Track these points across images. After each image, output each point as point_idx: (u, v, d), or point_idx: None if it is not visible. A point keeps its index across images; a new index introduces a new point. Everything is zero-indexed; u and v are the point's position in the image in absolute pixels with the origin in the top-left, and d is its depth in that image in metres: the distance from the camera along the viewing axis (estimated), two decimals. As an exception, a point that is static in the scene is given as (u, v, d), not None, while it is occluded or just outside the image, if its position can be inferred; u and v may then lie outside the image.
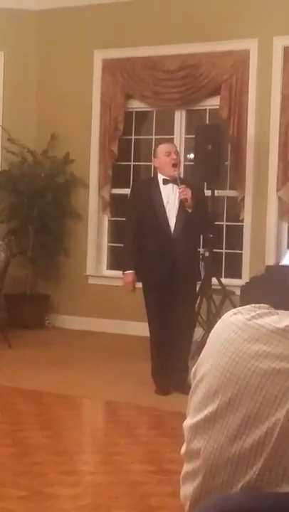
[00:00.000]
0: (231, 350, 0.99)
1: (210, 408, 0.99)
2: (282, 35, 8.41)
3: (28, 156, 9.62)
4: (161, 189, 6.43)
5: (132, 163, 9.54)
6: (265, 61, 8.51)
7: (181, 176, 6.51)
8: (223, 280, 8.19)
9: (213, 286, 7.93)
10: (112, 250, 9.69)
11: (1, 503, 4.05)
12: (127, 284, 6.52)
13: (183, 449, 1.14)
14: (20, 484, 4.32)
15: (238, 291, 7.97)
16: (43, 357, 7.86)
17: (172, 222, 6.34)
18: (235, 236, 8.89)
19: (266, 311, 1.05)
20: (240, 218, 8.75)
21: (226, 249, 8.98)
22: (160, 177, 6.49)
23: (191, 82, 8.90)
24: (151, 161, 9.43)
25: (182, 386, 6.15)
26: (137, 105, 9.43)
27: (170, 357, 6.41)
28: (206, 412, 0.99)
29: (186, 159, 8.84)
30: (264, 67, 8.52)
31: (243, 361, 0.96)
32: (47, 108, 9.70)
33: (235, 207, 8.82)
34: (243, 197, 8.68)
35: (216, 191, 8.33)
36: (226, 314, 1.15)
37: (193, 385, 1.08)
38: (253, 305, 1.09)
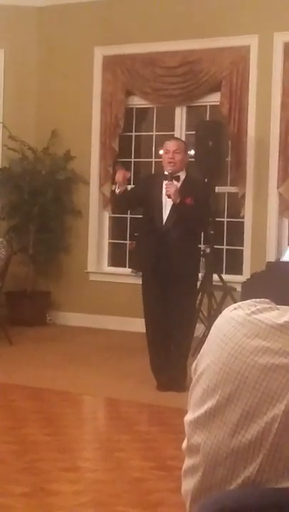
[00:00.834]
0: (231, 345, 0.98)
1: (210, 403, 0.99)
2: (283, 31, 8.40)
3: (29, 153, 9.61)
4: (163, 183, 6.50)
5: (132, 159, 9.53)
6: (265, 57, 8.50)
7: (183, 173, 6.52)
8: (224, 276, 8.19)
9: (214, 283, 7.93)
10: (112, 247, 9.69)
11: (2, 500, 4.05)
12: (120, 176, 6.52)
13: (184, 444, 1.14)
14: (22, 481, 4.32)
15: (239, 288, 7.97)
16: (44, 354, 7.86)
17: (166, 214, 6.42)
18: (236, 232, 8.89)
19: (266, 306, 1.05)
20: (241, 215, 8.75)
21: (226, 245, 8.98)
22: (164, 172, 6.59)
23: (192, 79, 8.89)
24: (151, 158, 9.47)
25: (172, 384, 6.18)
26: (137, 102, 9.42)
27: (168, 352, 6.44)
28: (205, 407, 0.99)
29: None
30: (264, 63, 8.51)
31: (243, 356, 0.96)
32: (47, 105, 9.69)
33: (236, 203, 8.82)
34: (244, 193, 8.68)
35: (216, 188, 8.33)
36: (226, 309, 1.15)
37: (193, 380, 1.08)
38: (253, 300, 1.09)
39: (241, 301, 1.19)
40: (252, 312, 1.00)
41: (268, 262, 8.11)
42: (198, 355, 1.11)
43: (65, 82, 9.61)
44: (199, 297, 7.48)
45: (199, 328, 7.13)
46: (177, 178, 6.44)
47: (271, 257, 8.34)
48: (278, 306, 1.03)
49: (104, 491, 4.23)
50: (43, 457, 4.75)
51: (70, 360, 7.56)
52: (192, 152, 8.19)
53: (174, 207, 6.38)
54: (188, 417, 1.04)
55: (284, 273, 7.44)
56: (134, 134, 9.56)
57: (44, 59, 9.79)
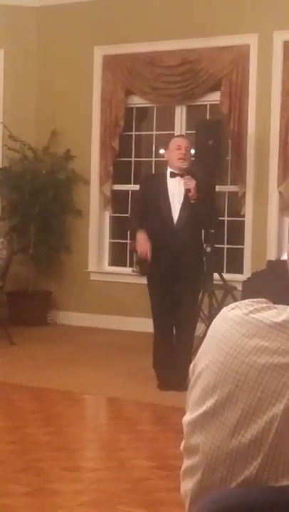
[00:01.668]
0: (229, 345, 0.98)
1: (208, 403, 0.99)
2: (283, 30, 8.39)
3: (29, 153, 9.61)
4: (168, 182, 6.48)
5: (132, 159, 9.53)
6: (265, 56, 8.50)
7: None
8: (225, 275, 8.20)
9: (214, 282, 7.93)
10: (113, 247, 9.69)
11: (3, 500, 4.05)
12: (143, 245, 6.41)
13: (182, 445, 1.14)
14: (23, 481, 4.32)
15: (239, 286, 7.98)
16: (45, 353, 7.87)
17: (176, 214, 6.39)
18: (237, 231, 8.89)
19: (264, 305, 1.05)
20: (242, 213, 8.75)
21: (227, 244, 8.98)
22: (168, 170, 6.54)
23: (192, 78, 8.89)
24: (152, 157, 9.48)
25: (174, 383, 6.17)
26: (137, 101, 9.42)
27: (171, 351, 6.43)
28: (204, 407, 0.99)
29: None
30: (264, 62, 8.51)
31: (241, 356, 0.96)
32: (47, 105, 9.69)
33: (237, 202, 8.82)
34: (244, 192, 8.68)
35: (217, 186, 8.33)
36: (224, 309, 1.15)
37: (191, 381, 1.08)
38: (250, 299, 1.09)
39: (242, 299, 1.19)
40: (250, 311, 1.00)
41: (269, 261, 8.12)
42: (197, 356, 1.11)
43: (65, 81, 9.62)
44: (200, 296, 7.48)
45: (200, 327, 7.13)
46: (192, 175, 6.41)
47: (272, 256, 8.34)
48: (276, 306, 1.03)
49: (105, 491, 4.23)
50: (44, 457, 4.76)
51: (71, 360, 7.56)
52: (192, 151, 8.18)
53: (184, 205, 6.35)
54: (187, 417, 1.04)
55: (284, 272, 7.44)
56: (134, 133, 9.56)
57: (44, 58, 9.79)
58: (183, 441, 1.05)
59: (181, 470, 1.04)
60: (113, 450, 4.98)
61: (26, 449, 4.90)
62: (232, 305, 1.04)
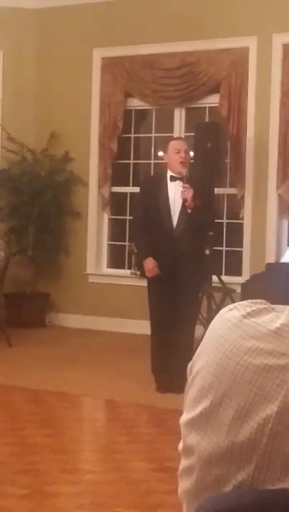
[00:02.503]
0: (226, 346, 0.98)
1: (204, 404, 0.99)
2: (282, 33, 8.40)
3: (28, 155, 9.62)
4: (168, 186, 6.45)
5: (131, 161, 9.54)
6: (264, 58, 8.51)
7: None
8: (224, 278, 8.20)
9: (213, 284, 7.93)
10: (112, 249, 9.69)
11: (1, 502, 4.05)
12: (151, 271, 6.47)
13: (180, 446, 1.14)
14: (21, 483, 4.32)
15: (238, 289, 7.98)
16: (43, 355, 7.87)
17: (175, 219, 6.38)
18: (236, 234, 8.89)
19: (262, 307, 1.05)
20: (241, 216, 8.76)
21: (226, 246, 8.98)
22: (168, 173, 6.51)
23: (191, 80, 8.89)
24: (150, 159, 9.48)
25: (172, 386, 6.16)
26: (136, 103, 9.43)
27: (170, 354, 6.42)
28: (200, 408, 0.99)
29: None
30: (263, 65, 8.52)
31: (237, 357, 0.96)
32: (46, 107, 9.70)
33: (235, 205, 8.82)
34: (243, 195, 8.68)
35: (215, 189, 8.32)
36: (222, 310, 1.15)
37: (188, 381, 1.08)
38: (249, 300, 1.09)
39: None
40: (247, 314, 1.00)
41: (268, 264, 8.12)
42: (194, 356, 1.11)
43: (63, 83, 9.62)
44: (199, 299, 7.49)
45: (198, 330, 7.12)
46: (192, 178, 6.37)
47: (270, 259, 8.35)
48: (274, 306, 1.03)
49: (103, 493, 4.23)
50: (43, 459, 4.76)
51: (70, 362, 7.56)
52: (191, 154, 8.18)
53: (183, 210, 6.34)
54: (184, 417, 1.04)
55: (283, 274, 7.44)
56: (133, 135, 9.56)
57: (43, 61, 9.79)
58: (180, 442, 1.05)
59: (178, 470, 1.04)
60: (111, 452, 4.98)
61: (24, 451, 4.90)
62: (230, 306, 1.03)
